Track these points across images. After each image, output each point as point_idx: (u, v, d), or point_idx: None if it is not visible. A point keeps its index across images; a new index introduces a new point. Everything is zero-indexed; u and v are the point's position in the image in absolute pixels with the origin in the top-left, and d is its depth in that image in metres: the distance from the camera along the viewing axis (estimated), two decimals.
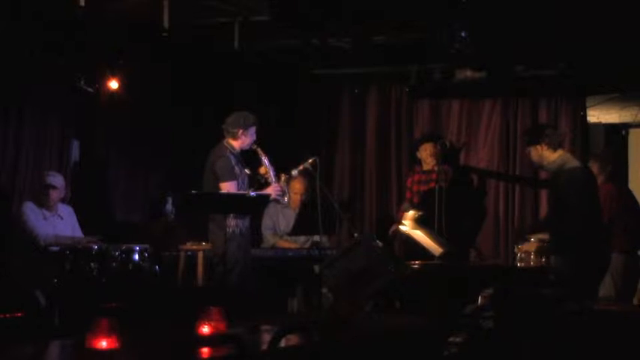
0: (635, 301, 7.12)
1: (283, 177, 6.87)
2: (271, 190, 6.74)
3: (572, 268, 5.92)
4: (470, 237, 8.51)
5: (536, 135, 6.27)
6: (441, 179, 7.98)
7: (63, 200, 7.38)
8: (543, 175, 8.01)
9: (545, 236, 6.36)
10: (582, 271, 5.89)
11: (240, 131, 6.76)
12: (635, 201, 7.35)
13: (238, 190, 6.64)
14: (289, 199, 7.37)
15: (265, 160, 6.82)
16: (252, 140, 6.81)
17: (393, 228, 8.29)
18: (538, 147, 6.16)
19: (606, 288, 6.80)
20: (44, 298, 6.04)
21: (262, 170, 6.84)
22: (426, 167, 8.29)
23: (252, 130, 6.80)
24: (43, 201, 7.10)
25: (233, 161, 6.72)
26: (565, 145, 8.24)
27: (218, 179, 6.66)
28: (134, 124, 8.25)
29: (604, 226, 6.44)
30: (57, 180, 7.20)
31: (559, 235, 6.11)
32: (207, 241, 7.23)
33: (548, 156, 6.14)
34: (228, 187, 6.62)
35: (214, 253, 6.75)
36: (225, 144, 6.78)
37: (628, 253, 7.12)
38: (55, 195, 7.14)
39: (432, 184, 8.00)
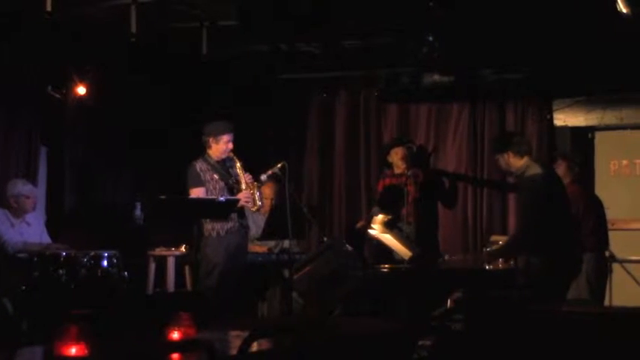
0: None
1: (255, 185, 6.83)
2: (241, 196, 6.74)
3: (540, 271, 5.97)
4: (439, 240, 8.56)
5: (502, 143, 6.35)
6: (410, 183, 8.03)
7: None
8: (511, 177, 8.07)
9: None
10: (551, 273, 5.95)
11: (210, 139, 6.79)
12: (600, 202, 7.43)
13: (208, 195, 6.66)
14: (262, 205, 7.31)
15: (239, 167, 6.80)
16: (227, 148, 6.79)
17: (361, 223, 8.33)
18: (505, 154, 6.23)
19: (581, 289, 6.86)
20: (12, 305, 5.99)
21: (243, 185, 6.80)
22: (397, 171, 8.31)
23: (225, 138, 6.78)
24: (17, 210, 7.01)
25: (200, 168, 6.74)
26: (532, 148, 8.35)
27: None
28: (102, 129, 8.20)
29: (573, 228, 6.50)
30: (29, 189, 7.13)
31: (528, 240, 6.17)
32: (176, 247, 7.20)
33: (515, 163, 6.22)
34: (195, 193, 6.70)
35: (193, 258, 6.78)
36: (205, 154, 6.82)
37: (597, 253, 7.21)
38: (29, 204, 7.06)
39: (402, 188, 8.03)
